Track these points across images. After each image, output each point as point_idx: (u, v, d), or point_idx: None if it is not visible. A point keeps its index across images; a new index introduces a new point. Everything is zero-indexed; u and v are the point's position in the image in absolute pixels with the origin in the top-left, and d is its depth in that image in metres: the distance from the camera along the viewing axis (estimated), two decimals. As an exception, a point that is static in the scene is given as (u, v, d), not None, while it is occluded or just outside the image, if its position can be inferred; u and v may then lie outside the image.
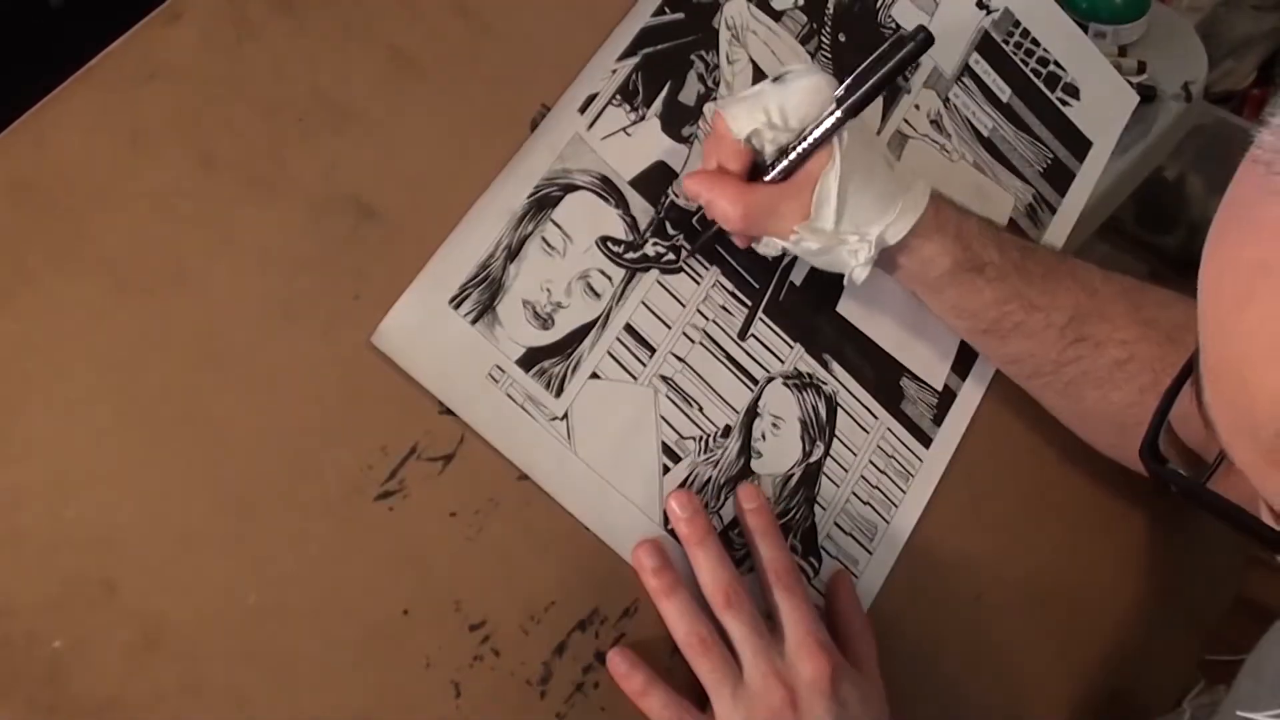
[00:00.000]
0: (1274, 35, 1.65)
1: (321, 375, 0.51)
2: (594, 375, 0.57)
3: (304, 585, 0.50)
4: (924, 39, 0.54)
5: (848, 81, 0.56)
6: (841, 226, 0.57)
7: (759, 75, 0.64)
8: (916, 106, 0.70)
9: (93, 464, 0.47)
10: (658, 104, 0.61)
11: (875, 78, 0.55)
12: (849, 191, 0.57)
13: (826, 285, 0.64)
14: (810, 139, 0.56)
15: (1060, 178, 0.76)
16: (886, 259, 0.60)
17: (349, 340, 0.52)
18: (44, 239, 0.47)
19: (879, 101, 0.67)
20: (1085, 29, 1.17)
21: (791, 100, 0.56)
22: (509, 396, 0.55)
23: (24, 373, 0.46)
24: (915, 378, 0.67)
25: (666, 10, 0.62)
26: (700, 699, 0.56)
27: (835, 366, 0.64)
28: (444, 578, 0.53)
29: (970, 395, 0.69)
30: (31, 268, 0.46)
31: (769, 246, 0.60)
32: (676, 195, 0.61)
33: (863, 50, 0.66)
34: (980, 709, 0.68)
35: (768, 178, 0.58)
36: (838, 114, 0.55)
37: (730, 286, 0.62)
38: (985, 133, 0.72)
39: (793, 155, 0.57)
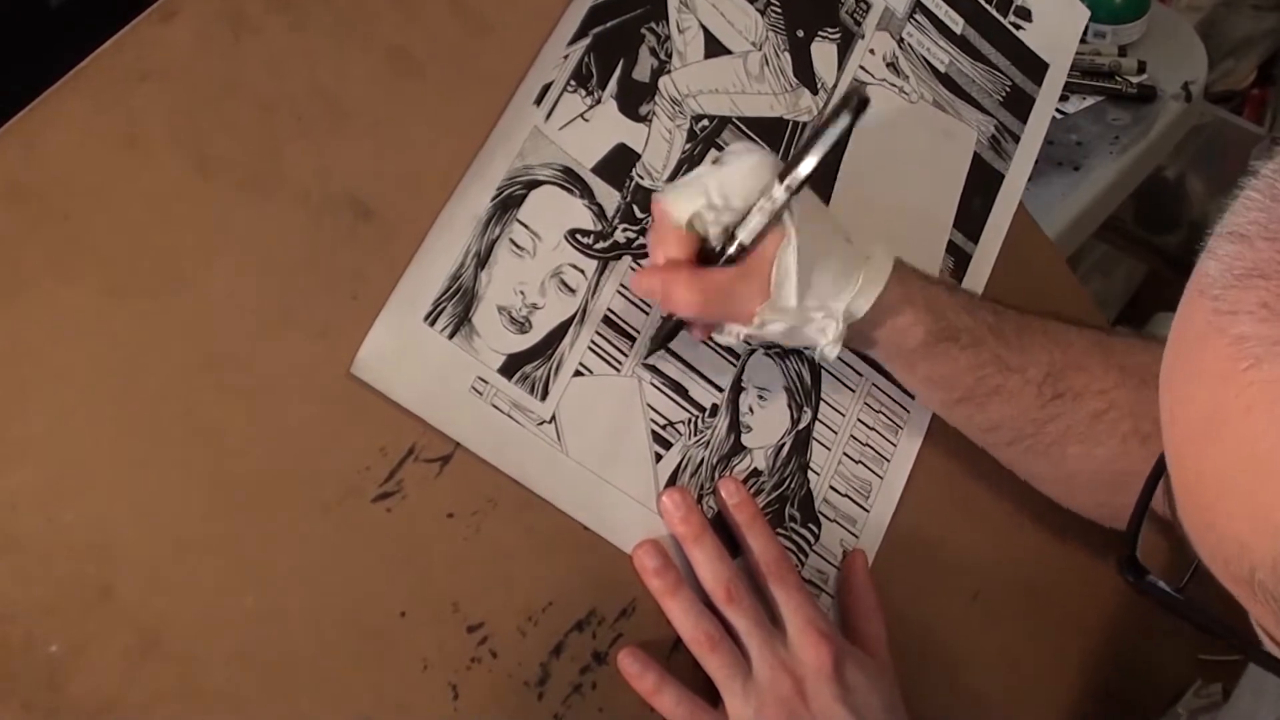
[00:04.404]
0: (1273, 35, 1.65)
1: (319, 376, 0.51)
2: (577, 372, 0.57)
3: (302, 587, 0.50)
4: (859, 103, 0.51)
5: (791, 156, 0.54)
6: (805, 303, 0.56)
7: (711, 42, 0.63)
8: (871, 51, 0.69)
9: (89, 468, 0.47)
10: (612, 84, 0.60)
11: (816, 148, 0.53)
12: (808, 267, 0.55)
13: None
14: (759, 216, 0.54)
15: (1020, 104, 0.75)
16: (859, 335, 0.58)
17: (347, 341, 0.52)
18: (39, 242, 0.46)
19: (833, 52, 0.67)
20: (1085, 29, 1.17)
21: (731, 180, 0.55)
22: (495, 407, 0.54)
23: (20, 377, 0.46)
24: None
25: None
26: (708, 694, 0.56)
27: None
28: (442, 579, 0.53)
29: None
30: (27, 271, 0.46)
31: (728, 335, 0.58)
32: (641, 179, 0.60)
33: (812, 3, 0.66)
34: (978, 707, 0.68)
35: (721, 260, 0.56)
36: (783, 189, 0.53)
37: None
38: (942, 68, 0.72)
39: (744, 234, 0.54)
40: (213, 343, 0.49)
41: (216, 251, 0.50)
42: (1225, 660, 0.71)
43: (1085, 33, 1.18)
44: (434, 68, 0.55)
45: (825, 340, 0.57)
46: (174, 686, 0.47)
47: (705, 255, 0.56)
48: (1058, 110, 1.13)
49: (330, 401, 0.51)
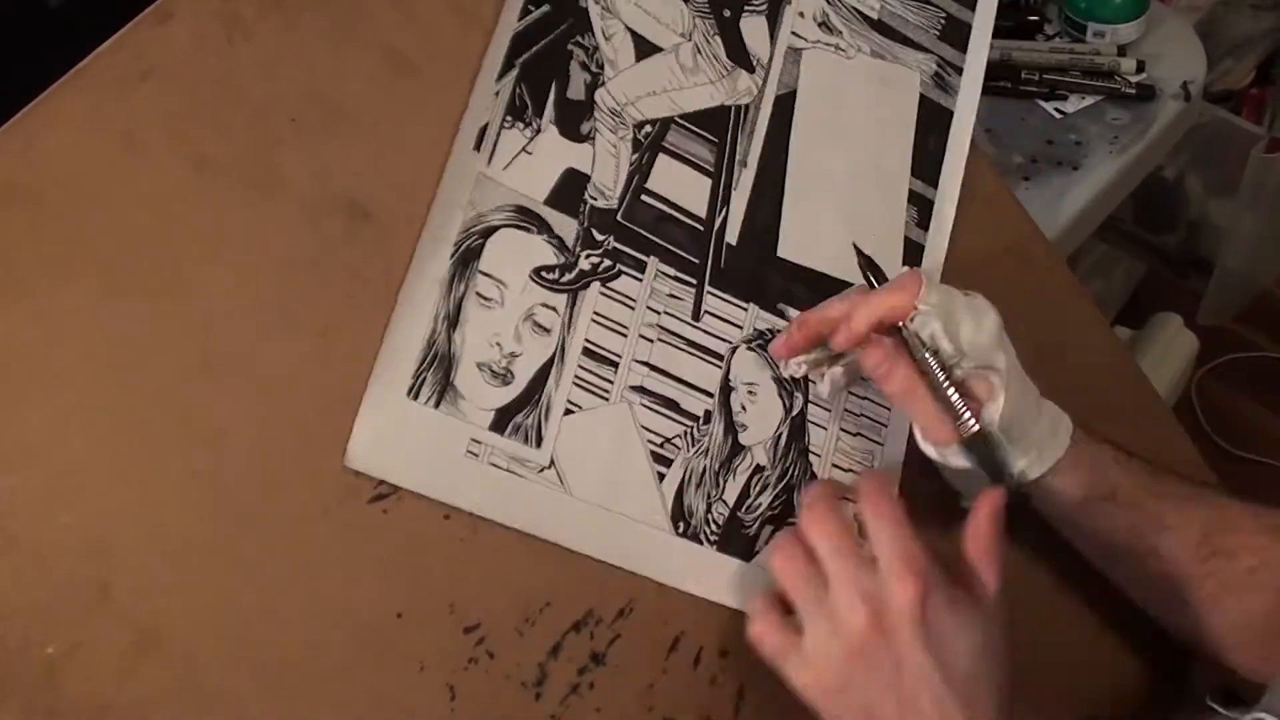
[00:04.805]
0: (1272, 35, 1.65)
1: (315, 377, 0.51)
2: (567, 411, 0.56)
3: (298, 589, 0.50)
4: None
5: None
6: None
7: (640, 43, 0.62)
8: (801, 14, 0.67)
9: (87, 469, 0.47)
10: (549, 109, 0.59)
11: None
12: (1012, 412, 0.58)
13: (763, 234, 0.64)
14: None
15: (958, 34, 0.73)
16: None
17: (344, 342, 0.52)
18: (36, 243, 0.47)
19: (763, 24, 0.66)
20: (1084, 29, 1.17)
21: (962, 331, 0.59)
22: (494, 465, 0.54)
23: (18, 378, 0.46)
24: None
25: (531, 8, 0.59)
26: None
27: (792, 312, 0.64)
28: (438, 580, 0.53)
29: None
30: (24, 272, 0.46)
31: (825, 383, 0.62)
32: (594, 200, 0.59)
33: None
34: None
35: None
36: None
37: (672, 271, 0.61)
38: (874, 15, 0.70)
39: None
40: (210, 343, 0.49)
41: (214, 252, 0.50)
42: (1224, 660, 0.71)
43: (1085, 32, 1.18)
44: (429, 68, 0.55)
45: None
46: (172, 687, 0.47)
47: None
48: (1057, 110, 1.13)
49: (326, 402, 0.51)
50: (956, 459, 0.59)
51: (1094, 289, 1.55)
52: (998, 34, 1.15)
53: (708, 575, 0.59)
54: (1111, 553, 0.64)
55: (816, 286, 0.65)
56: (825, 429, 0.64)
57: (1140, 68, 1.16)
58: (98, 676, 0.46)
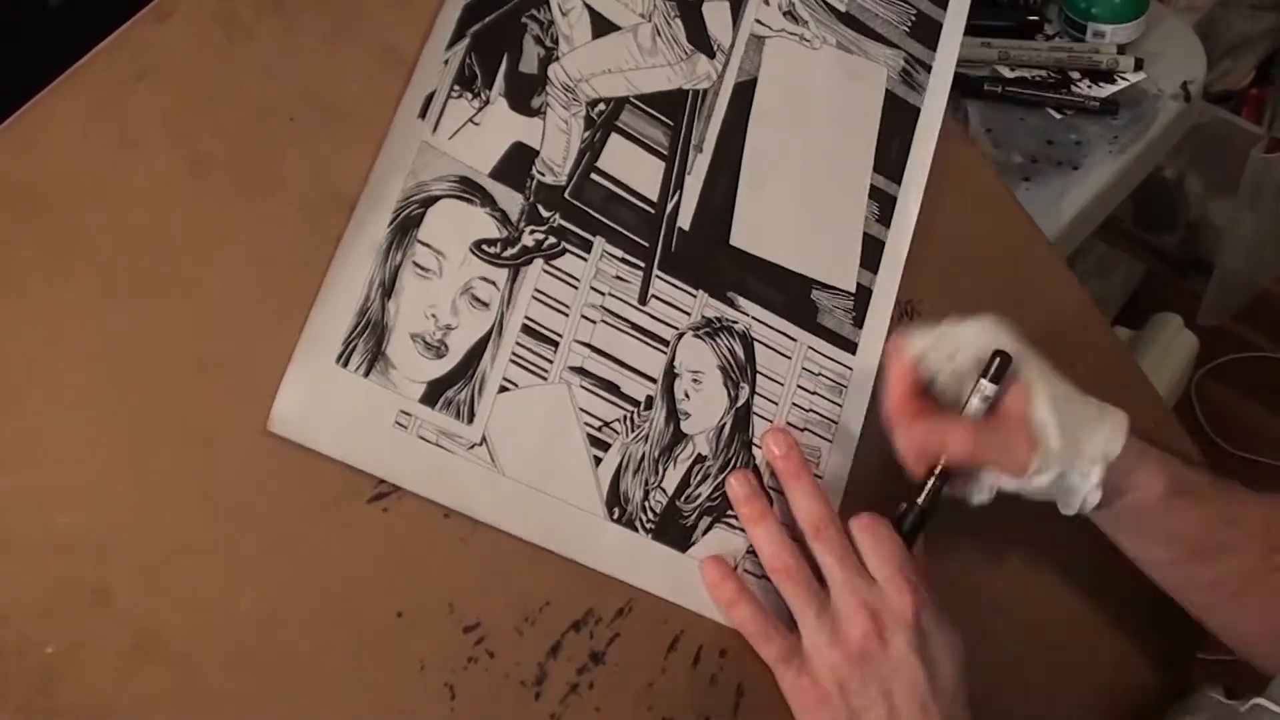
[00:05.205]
0: (1272, 35, 1.65)
1: (314, 377, 0.51)
2: (502, 388, 0.55)
3: (297, 589, 0.50)
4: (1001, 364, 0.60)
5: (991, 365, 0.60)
6: (1068, 449, 0.59)
7: (598, 20, 0.60)
8: (766, 2, 0.66)
9: (84, 469, 0.47)
10: (499, 82, 0.57)
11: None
12: (1060, 414, 0.59)
13: (716, 221, 0.62)
14: (977, 400, 0.60)
15: (928, 32, 0.72)
16: (1107, 488, 0.61)
17: (342, 342, 0.52)
18: (33, 242, 0.46)
19: (726, 9, 0.64)
20: (1084, 28, 1.17)
21: (959, 335, 0.61)
22: (422, 439, 0.53)
23: (14, 376, 0.46)
24: (826, 286, 0.65)
25: None
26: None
27: (742, 301, 0.63)
28: (437, 580, 0.52)
29: (886, 285, 0.67)
30: (21, 270, 0.46)
31: (984, 491, 0.61)
32: (542, 175, 0.58)
33: None
34: (975, 708, 0.68)
35: (970, 410, 0.60)
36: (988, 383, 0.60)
37: (619, 253, 0.59)
38: (843, 7, 0.69)
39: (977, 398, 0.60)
40: (207, 344, 0.49)
41: (212, 252, 0.50)
42: (1224, 660, 0.71)
43: (1084, 32, 1.18)
44: (430, 68, 0.55)
45: (1089, 486, 0.60)
46: (171, 688, 0.47)
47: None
48: (1055, 110, 1.13)
49: (326, 402, 0.51)
50: (1039, 479, 0.59)
51: (1094, 289, 1.55)
52: (997, 34, 1.17)
53: (640, 563, 0.57)
54: (1183, 554, 0.64)
55: (768, 276, 0.64)
56: (771, 423, 0.62)
57: (1139, 67, 1.16)
58: (96, 678, 0.46)
